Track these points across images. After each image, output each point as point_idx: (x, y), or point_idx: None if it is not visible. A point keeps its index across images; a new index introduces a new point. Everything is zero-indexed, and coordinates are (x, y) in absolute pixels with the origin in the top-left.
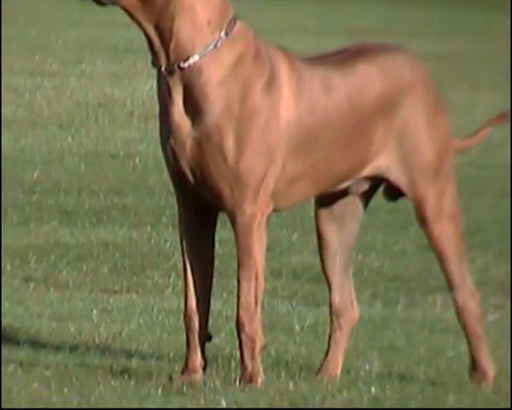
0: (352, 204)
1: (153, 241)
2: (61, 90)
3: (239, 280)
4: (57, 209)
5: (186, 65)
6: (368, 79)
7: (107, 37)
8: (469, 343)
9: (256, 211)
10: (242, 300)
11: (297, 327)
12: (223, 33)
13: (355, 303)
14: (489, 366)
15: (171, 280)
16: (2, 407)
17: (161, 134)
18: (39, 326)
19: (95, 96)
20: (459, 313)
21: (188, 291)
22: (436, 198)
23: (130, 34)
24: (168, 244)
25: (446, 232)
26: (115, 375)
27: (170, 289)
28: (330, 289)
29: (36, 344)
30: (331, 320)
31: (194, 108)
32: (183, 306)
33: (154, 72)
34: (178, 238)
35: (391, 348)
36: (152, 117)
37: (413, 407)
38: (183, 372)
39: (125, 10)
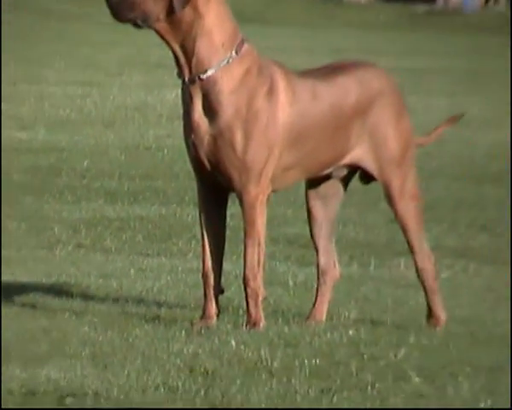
0: (335, 186)
1: (177, 215)
2: (106, 96)
3: (245, 246)
4: (103, 191)
5: (204, 77)
6: (346, 88)
7: (143, 54)
8: (426, 296)
9: (258, 192)
10: (248, 262)
11: (291, 283)
12: (233, 52)
13: (337, 264)
14: (442, 313)
15: (192, 246)
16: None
17: (184, 131)
18: (88, 282)
19: (132, 101)
20: (418, 271)
21: (205, 255)
22: (400, 182)
23: (160, 52)
24: (190, 218)
25: (408, 208)
26: (148, 321)
27: (191, 253)
28: (317, 253)
29: (86, 297)
30: (318, 278)
31: (210, 111)
32: (201, 266)
33: (179, 82)
34: (197, 213)
35: (365, 299)
36: (177, 118)
37: (382, 345)
38: (201, 319)
39: (157, 32)
